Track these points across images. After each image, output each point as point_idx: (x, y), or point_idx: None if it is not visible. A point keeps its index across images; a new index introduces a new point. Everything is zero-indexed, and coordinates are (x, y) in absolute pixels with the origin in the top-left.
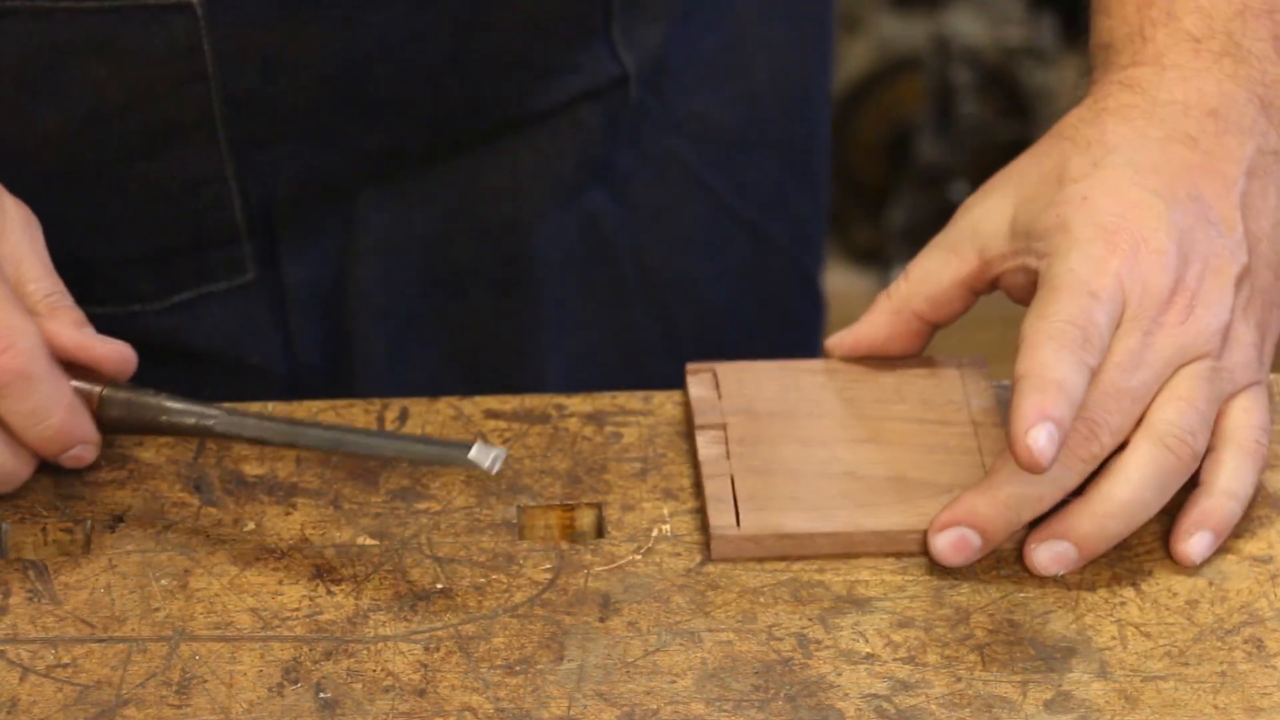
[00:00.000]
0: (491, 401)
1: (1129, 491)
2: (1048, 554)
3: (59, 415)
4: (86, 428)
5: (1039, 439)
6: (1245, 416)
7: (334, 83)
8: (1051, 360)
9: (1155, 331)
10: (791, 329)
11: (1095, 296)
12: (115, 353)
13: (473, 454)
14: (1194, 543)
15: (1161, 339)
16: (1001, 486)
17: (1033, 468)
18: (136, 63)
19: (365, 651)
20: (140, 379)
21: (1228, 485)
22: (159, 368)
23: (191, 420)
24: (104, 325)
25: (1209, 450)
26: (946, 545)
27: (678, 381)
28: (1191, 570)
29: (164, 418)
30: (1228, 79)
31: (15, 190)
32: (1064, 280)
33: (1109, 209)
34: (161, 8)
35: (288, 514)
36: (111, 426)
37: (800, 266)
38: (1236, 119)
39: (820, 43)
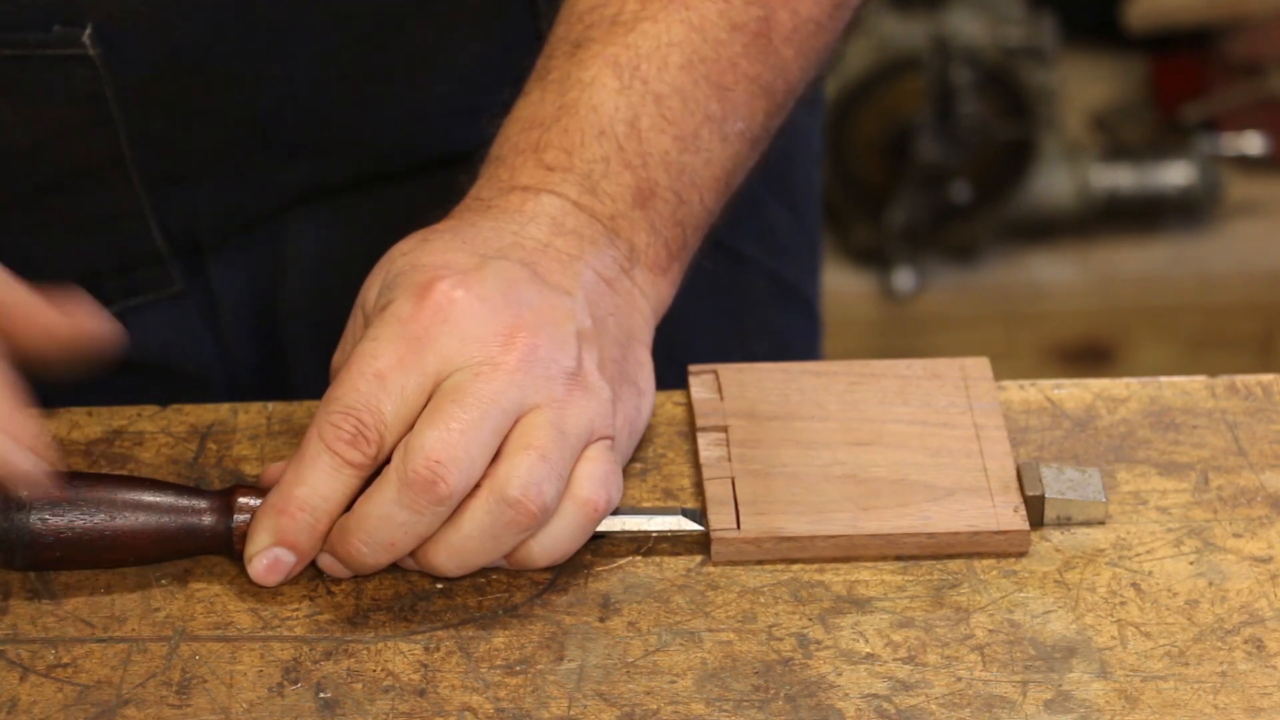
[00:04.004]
0: None
1: (457, 538)
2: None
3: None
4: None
5: (259, 566)
6: (589, 466)
7: (244, 127)
8: (305, 469)
9: (490, 374)
10: (773, 341)
11: (381, 377)
12: (89, 323)
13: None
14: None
15: (500, 380)
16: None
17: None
18: (41, 107)
19: (365, 651)
20: (77, 391)
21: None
22: (94, 382)
23: None
24: None
25: None
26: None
27: (670, 381)
28: (1191, 570)
29: None
30: (572, 203)
31: None
32: (354, 357)
33: (428, 264)
34: (61, 58)
35: None
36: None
37: (779, 279)
38: (575, 227)
39: None
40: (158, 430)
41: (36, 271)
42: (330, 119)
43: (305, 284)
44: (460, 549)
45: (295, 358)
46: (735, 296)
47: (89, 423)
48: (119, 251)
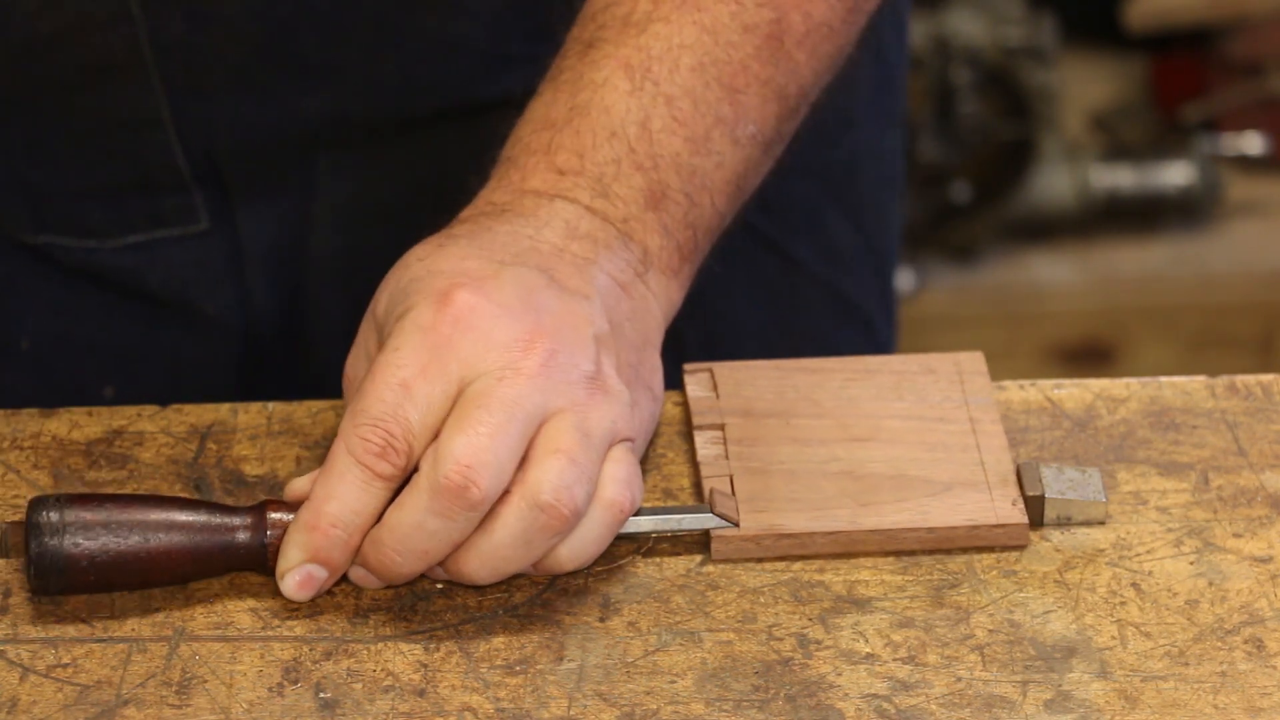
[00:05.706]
0: None
1: (489, 545)
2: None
3: None
4: None
5: (291, 583)
6: (613, 468)
7: (261, 40)
8: (335, 484)
9: (513, 379)
10: (823, 353)
11: (406, 386)
12: None
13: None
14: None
15: (523, 385)
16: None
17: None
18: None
19: (365, 651)
20: (99, 319)
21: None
22: (118, 308)
23: None
24: (61, 256)
25: None
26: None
27: (676, 381)
28: (1191, 570)
29: None
30: (585, 208)
31: None
32: (377, 367)
33: (445, 271)
34: None
35: None
36: None
37: (836, 292)
38: (589, 231)
39: (878, 64)
40: (157, 430)
41: (63, 177)
42: (346, 43)
43: (333, 238)
44: (493, 556)
45: (318, 311)
46: (787, 301)
47: (89, 423)
48: (141, 165)
